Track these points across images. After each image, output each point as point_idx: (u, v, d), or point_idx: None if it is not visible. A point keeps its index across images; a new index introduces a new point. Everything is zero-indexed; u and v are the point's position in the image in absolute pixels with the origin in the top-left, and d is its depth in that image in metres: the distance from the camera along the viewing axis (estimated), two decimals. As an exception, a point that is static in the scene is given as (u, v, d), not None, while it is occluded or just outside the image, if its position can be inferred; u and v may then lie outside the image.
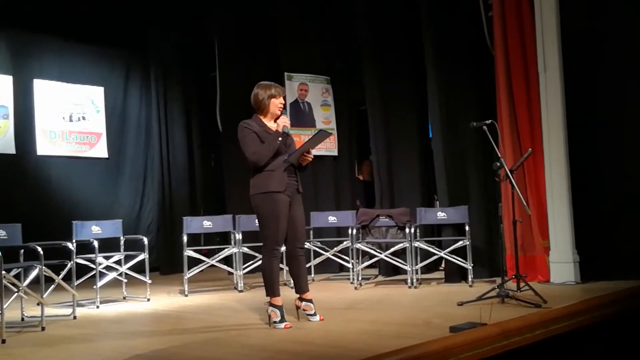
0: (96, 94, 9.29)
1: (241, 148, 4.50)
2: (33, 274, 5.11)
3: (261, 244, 4.58)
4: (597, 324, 4.51)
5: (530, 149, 5.75)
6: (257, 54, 8.95)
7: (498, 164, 5.15)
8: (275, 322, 4.45)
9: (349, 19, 8.67)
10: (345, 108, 8.81)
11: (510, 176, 5.13)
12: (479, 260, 6.59)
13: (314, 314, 4.63)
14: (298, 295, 4.67)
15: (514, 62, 6.46)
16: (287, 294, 5.07)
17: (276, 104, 4.60)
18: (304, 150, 4.58)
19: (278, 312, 4.46)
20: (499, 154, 5.23)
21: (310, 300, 4.65)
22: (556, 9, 6.16)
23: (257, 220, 4.66)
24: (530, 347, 3.93)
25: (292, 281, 4.84)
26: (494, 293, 5.03)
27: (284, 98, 4.70)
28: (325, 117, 8.67)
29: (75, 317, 5.30)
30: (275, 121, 4.63)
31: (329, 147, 8.49)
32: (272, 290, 4.51)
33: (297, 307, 4.69)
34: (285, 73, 8.49)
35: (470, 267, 6.39)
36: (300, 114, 8.54)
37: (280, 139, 4.51)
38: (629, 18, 6.18)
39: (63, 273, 5.46)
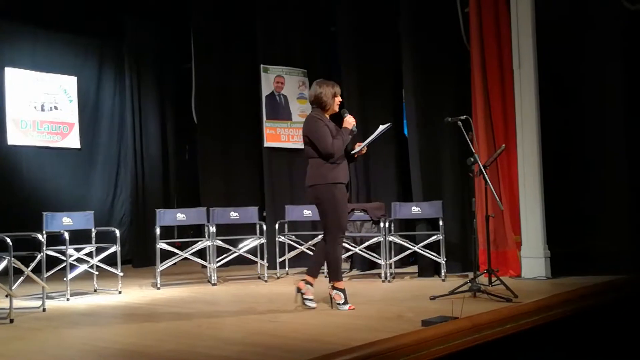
0: (69, 83, 9.12)
1: (313, 139, 4.75)
2: (2, 265, 5.01)
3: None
4: (567, 319, 4.58)
5: (503, 145, 5.79)
6: (233, 45, 8.88)
7: (472, 159, 5.17)
8: (339, 304, 4.72)
9: (327, 12, 8.64)
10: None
11: (484, 172, 5.16)
12: (452, 255, 6.63)
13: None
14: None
15: (489, 58, 6.51)
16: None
17: (337, 101, 4.95)
18: (368, 143, 4.91)
19: (342, 294, 4.73)
20: (473, 149, 5.26)
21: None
22: (532, 6, 6.22)
23: (317, 210, 4.86)
24: (501, 341, 3.98)
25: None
26: (466, 287, 5.08)
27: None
28: (301, 110, 8.63)
29: (44, 310, 5.22)
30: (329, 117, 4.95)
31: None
32: (337, 275, 4.80)
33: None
34: (262, 65, 8.41)
35: (444, 262, 6.44)
36: (276, 107, 8.49)
37: (350, 136, 4.89)
38: (604, 16, 6.26)
39: (33, 265, 5.38)
